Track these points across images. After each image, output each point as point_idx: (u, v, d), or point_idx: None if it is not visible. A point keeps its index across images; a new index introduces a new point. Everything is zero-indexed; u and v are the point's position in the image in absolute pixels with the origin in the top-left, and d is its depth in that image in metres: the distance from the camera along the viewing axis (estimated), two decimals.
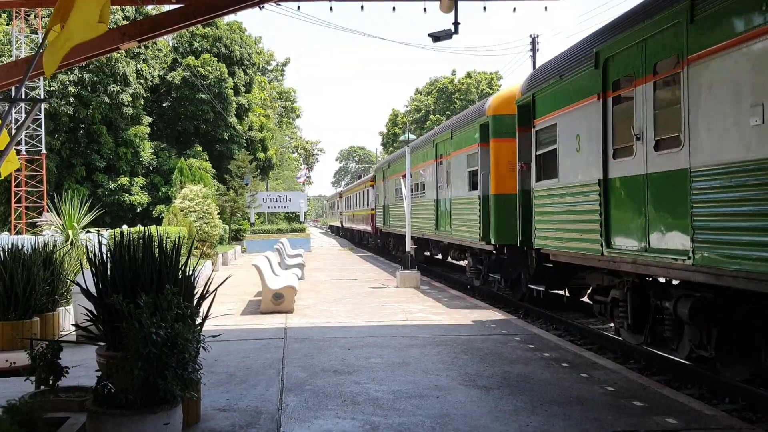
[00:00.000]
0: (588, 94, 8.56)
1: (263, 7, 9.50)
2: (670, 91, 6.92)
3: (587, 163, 8.61)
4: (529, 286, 11.21)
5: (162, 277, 4.89)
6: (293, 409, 5.54)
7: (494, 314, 10.82)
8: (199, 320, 4.92)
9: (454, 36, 10.19)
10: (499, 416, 5.27)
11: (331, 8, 10.05)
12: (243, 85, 40.97)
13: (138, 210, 34.10)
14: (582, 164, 8.78)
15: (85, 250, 10.39)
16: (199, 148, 37.72)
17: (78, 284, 5.46)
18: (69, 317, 9.10)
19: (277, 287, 11.30)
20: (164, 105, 39.93)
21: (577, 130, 8.92)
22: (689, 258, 6.33)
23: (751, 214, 5.58)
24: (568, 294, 10.92)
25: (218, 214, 25.83)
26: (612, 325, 9.69)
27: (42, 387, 4.87)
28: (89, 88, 32.15)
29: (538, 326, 10.32)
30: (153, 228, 16.47)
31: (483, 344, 8.26)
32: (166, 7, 9.05)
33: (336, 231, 59.96)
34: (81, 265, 9.73)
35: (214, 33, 39.86)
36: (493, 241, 12.57)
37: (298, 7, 10.23)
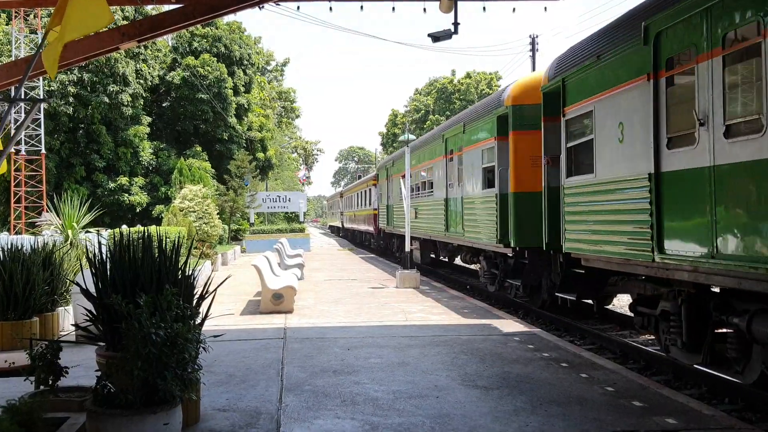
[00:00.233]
0: (634, 75, 7.44)
1: (263, 7, 9.50)
2: (746, 66, 5.84)
3: (633, 155, 7.48)
4: (557, 294, 10.23)
5: (161, 277, 4.89)
6: (293, 409, 5.54)
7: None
8: (198, 320, 4.92)
9: (454, 36, 10.19)
10: (498, 416, 5.27)
11: (330, 8, 10.05)
12: (242, 85, 40.97)
13: (137, 210, 34.09)
14: (626, 156, 7.66)
15: (84, 250, 10.39)
16: (199, 148, 37.72)
17: (77, 284, 5.46)
18: (68, 317, 9.09)
19: (276, 287, 11.30)
20: (164, 105, 39.93)
21: (620, 117, 7.79)
22: None
23: None
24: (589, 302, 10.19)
25: (218, 214, 25.82)
26: (648, 336, 9.13)
27: (41, 387, 4.87)
28: (89, 88, 32.14)
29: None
30: (152, 228, 16.46)
31: (482, 344, 8.26)
32: (166, 7, 9.05)
33: (336, 231, 59.68)
34: (80, 265, 9.73)
35: (213, 33, 39.86)
36: (512, 244, 11.48)
37: (298, 8, 10.23)
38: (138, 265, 4.88)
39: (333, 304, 12.21)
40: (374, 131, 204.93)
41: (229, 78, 38.82)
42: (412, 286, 14.63)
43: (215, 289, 5.26)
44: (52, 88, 30.79)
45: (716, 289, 6.77)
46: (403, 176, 17.65)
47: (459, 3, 9.50)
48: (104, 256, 4.96)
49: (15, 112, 26.40)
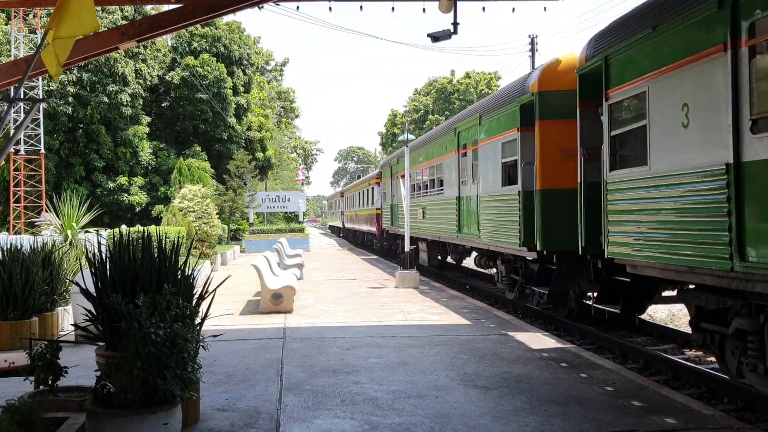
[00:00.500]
0: (704, 46, 6.26)
1: (262, 7, 9.50)
2: None
3: (702, 142, 6.30)
4: (595, 305, 9.01)
5: (161, 277, 4.89)
6: (292, 408, 5.55)
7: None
8: (198, 320, 4.92)
9: (453, 36, 10.20)
10: (498, 416, 5.27)
11: (330, 8, 10.07)
12: (242, 85, 40.97)
13: (137, 210, 34.07)
14: (693, 144, 6.45)
15: (84, 250, 10.39)
16: (198, 148, 37.71)
17: (77, 284, 5.46)
18: (68, 317, 9.09)
19: (276, 287, 11.31)
20: (163, 105, 39.89)
21: (684, 98, 6.55)
22: None
23: None
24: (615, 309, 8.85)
25: (217, 214, 25.82)
26: (694, 352, 8.49)
27: (41, 387, 4.86)
28: (88, 88, 32.13)
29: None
30: (152, 228, 16.46)
31: (482, 344, 8.26)
32: (166, 7, 9.06)
33: (336, 231, 59.41)
34: (80, 264, 9.73)
35: (213, 33, 39.86)
36: (538, 247, 10.27)
37: (297, 7, 10.24)
38: (137, 264, 4.88)
39: (332, 304, 12.22)
40: (373, 131, 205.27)
41: (229, 78, 38.82)
42: (411, 286, 14.64)
43: (215, 289, 5.27)
44: (52, 88, 30.78)
45: None
46: (407, 175, 17.40)
47: (458, 3, 9.51)
48: (104, 256, 4.96)
49: (14, 112, 26.39)
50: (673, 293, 8.09)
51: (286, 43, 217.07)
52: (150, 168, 35.85)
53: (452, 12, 9.65)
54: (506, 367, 6.97)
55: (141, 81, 35.03)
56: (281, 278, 12.51)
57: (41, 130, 29.90)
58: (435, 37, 10.35)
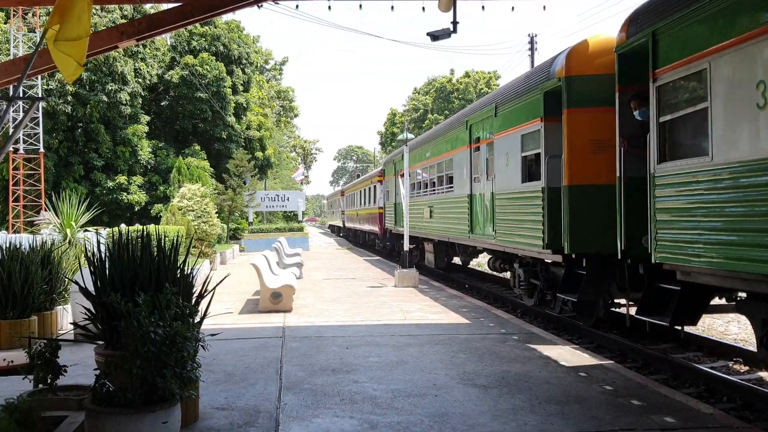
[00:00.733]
0: None
1: (261, 5, 9.49)
2: None
3: None
4: (636, 315, 7.85)
5: (160, 275, 4.89)
6: (292, 407, 5.55)
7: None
8: (197, 319, 4.92)
9: (453, 35, 10.19)
10: (497, 415, 5.28)
11: (329, 7, 10.06)
12: (241, 84, 40.95)
13: (136, 209, 34.05)
14: None
15: (83, 249, 10.38)
16: (198, 147, 37.69)
17: (76, 283, 5.46)
18: (67, 316, 9.09)
19: (275, 286, 11.31)
20: (162, 104, 39.87)
21: (759, 75, 5.50)
22: None
23: None
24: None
25: (216, 213, 25.81)
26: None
27: (40, 386, 4.86)
28: (87, 87, 32.10)
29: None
30: (151, 227, 16.43)
31: (481, 343, 8.26)
32: (165, 6, 9.05)
33: (336, 231, 59.10)
34: (79, 263, 9.74)
35: (212, 32, 39.82)
36: (566, 250, 9.24)
37: (297, 6, 10.24)
38: (137, 263, 4.88)
39: (332, 303, 12.22)
40: (373, 130, 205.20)
41: (228, 77, 38.79)
42: (410, 285, 14.64)
43: (214, 288, 5.27)
44: (51, 86, 30.75)
45: None
46: (420, 168, 16.92)
47: (458, 2, 9.51)
48: (103, 255, 4.96)
49: (13, 111, 26.36)
50: (722, 302, 7.31)
51: (286, 42, 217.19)
52: (149, 167, 35.83)
53: (452, 11, 9.64)
54: (505, 366, 6.97)
55: (140, 80, 35.01)
56: (280, 277, 12.52)
57: (40, 129, 29.88)
58: (434, 36, 10.34)
